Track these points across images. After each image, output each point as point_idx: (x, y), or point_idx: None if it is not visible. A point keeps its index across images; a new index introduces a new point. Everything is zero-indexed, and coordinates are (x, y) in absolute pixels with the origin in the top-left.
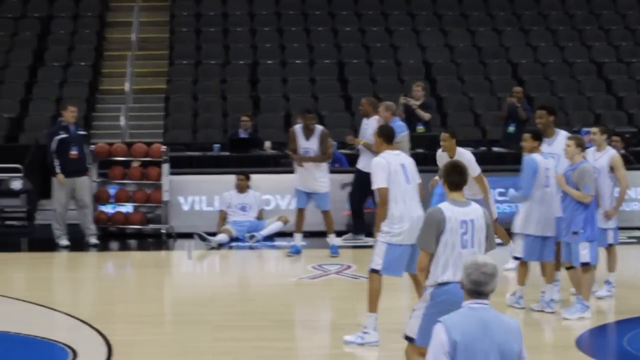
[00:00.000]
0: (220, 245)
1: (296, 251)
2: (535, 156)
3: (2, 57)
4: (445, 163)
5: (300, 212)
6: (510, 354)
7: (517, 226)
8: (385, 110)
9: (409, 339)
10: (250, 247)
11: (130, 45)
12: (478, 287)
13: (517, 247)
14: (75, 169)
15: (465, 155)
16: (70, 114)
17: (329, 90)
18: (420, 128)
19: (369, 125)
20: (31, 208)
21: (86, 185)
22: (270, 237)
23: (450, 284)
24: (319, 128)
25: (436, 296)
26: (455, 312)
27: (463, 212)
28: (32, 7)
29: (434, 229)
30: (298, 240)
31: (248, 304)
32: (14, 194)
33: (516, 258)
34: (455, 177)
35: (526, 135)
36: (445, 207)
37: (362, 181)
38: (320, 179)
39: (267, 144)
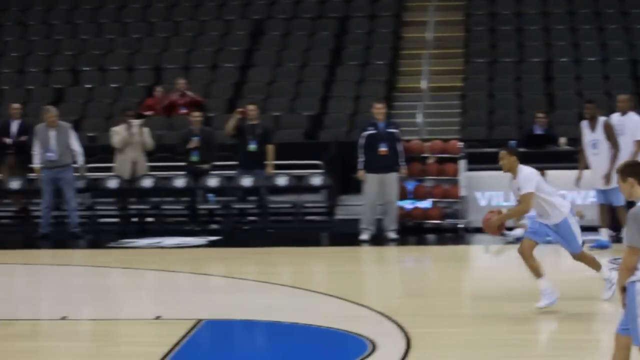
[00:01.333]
0: (518, 240)
1: (600, 245)
2: None
3: (301, 56)
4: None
5: (601, 207)
6: None
7: None
8: None
9: None
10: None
11: (426, 44)
12: None
13: None
14: (382, 166)
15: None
16: (375, 111)
17: (623, 87)
18: None
19: (625, 123)
20: (331, 203)
21: (393, 182)
22: None
23: None
24: (602, 118)
25: None
26: None
27: None
28: (329, 8)
29: None
30: (604, 235)
31: None
32: (315, 189)
33: None
34: None
35: None
36: None
37: None
38: (606, 175)
39: (562, 140)
